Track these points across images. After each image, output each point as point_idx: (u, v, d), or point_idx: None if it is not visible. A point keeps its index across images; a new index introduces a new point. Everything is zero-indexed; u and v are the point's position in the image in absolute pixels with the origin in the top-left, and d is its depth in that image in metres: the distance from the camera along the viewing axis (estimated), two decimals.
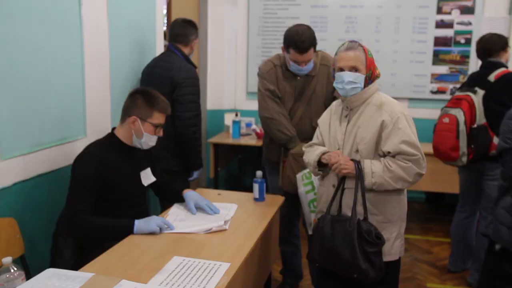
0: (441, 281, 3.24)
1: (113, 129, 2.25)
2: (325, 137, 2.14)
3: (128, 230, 2.00)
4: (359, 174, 1.92)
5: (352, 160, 1.95)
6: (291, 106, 2.67)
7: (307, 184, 2.45)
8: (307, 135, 2.58)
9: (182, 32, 2.93)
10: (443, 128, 3.06)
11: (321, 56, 2.70)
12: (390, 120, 1.92)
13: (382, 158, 1.95)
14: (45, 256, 2.18)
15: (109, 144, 2.19)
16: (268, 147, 2.80)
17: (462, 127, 2.96)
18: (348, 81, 1.96)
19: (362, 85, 1.97)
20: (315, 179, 2.42)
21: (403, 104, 2.03)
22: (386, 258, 1.98)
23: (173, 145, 2.87)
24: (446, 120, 3.05)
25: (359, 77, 1.96)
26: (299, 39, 2.47)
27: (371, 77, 1.99)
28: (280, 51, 2.71)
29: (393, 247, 2.00)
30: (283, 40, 2.58)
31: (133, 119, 2.15)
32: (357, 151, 1.98)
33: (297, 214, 2.89)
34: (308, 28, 2.53)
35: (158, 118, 2.18)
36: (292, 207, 2.79)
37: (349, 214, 1.95)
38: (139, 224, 2.01)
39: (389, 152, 1.92)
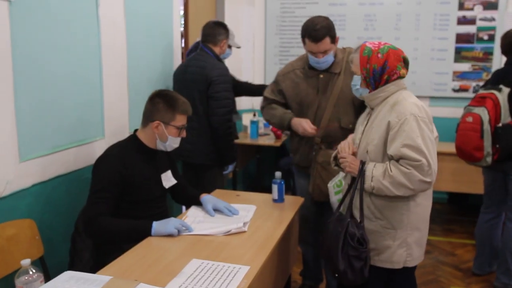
0: (466, 284, 3.15)
1: (135, 131, 2.25)
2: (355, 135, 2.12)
3: (146, 232, 1.98)
4: (360, 176, 1.88)
5: (361, 161, 1.91)
6: (316, 107, 2.55)
7: (339, 193, 2.36)
8: (336, 138, 2.48)
9: (210, 32, 3.09)
10: (466, 128, 3.00)
11: (348, 52, 2.57)
12: (397, 122, 1.81)
13: (386, 162, 1.86)
14: (64, 257, 2.18)
15: (131, 147, 2.18)
16: (296, 152, 2.71)
17: (486, 126, 2.89)
18: (351, 84, 2.01)
19: (359, 86, 1.95)
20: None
21: (424, 103, 1.90)
22: (387, 265, 1.93)
23: (209, 141, 3.00)
24: (470, 119, 2.98)
25: (356, 79, 1.96)
26: (313, 28, 2.40)
27: (370, 76, 1.89)
28: (297, 51, 2.66)
29: (394, 255, 1.92)
30: (300, 33, 2.51)
31: (156, 124, 2.14)
32: (367, 152, 1.92)
33: (322, 220, 2.81)
34: (325, 18, 2.46)
35: (181, 120, 2.18)
36: (319, 214, 2.71)
37: (357, 214, 1.93)
38: (157, 226, 1.99)
39: (392, 156, 1.83)
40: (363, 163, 1.89)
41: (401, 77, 1.91)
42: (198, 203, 2.34)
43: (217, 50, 3.11)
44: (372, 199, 1.92)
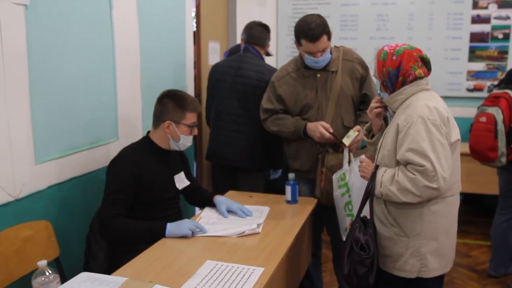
0: (481, 286, 3.12)
1: (148, 132, 2.26)
2: None
3: (160, 234, 1.99)
4: (370, 181, 1.85)
5: (376, 165, 1.88)
6: (317, 107, 2.52)
7: (342, 186, 2.35)
8: (340, 137, 2.50)
9: (260, 35, 3.06)
10: (480, 128, 2.97)
11: (343, 51, 2.57)
12: (404, 125, 1.75)
13: (396, 167, 1.81)
14: (79, 258, 2.20)
15: (144, 148, 2.20)
16: (296, 157, 2.63)
17: (500, 126, 2.86)
18: (376, 89, 2.02)
19: (378, 90, 1.93)
20: (349, 181, 2.34)
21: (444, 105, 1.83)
22: (401, 273, 1.88)
23: (259, 145, 2.97)
24: (483, 119, 2.95)
25: (377, 85, 1.94)
26: (309, 28, 2.35)
27: (386, 79, 1.85)
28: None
29: (407, 264, 1.85)
30: (294, 35, 2.46)
31: (167, 124, 2.16)
32: (383, 156, 1.89)
33: (322, 225, 2.80)
34: (318, 16, 2.42)
35: (191, 117, 2.19)
36: (319, 217, 2.68)
37: (375, 219, 1.91)
38: (171, 227, 2.00)
39: (399, 161, 1.78)
40: (376, 168, 1.86)
41: (418, 77, 1.83)
42: (212, 205, 2.35)
43: (262, 52, 3.08)
44: (386, 205, 1.88)
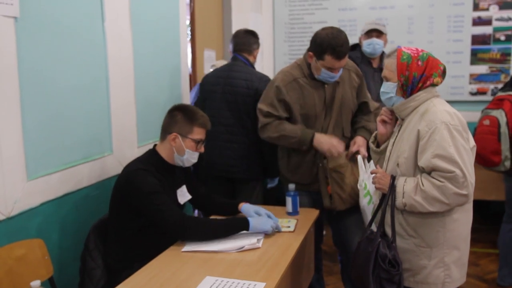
0: None
1: (155, 145, 2.20)
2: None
3: (243, 228, 2.05)
4: (390, 192, 1.78)
5: (392, 176, 1.81)
6: (323, 119, 2.46)
7: (366, 195, 2.27)
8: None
9: (245, 41, 3.01)
10: (483, 131, 2.92)
11: None
12: (426, 131, 1.71)
13: (418, 176, 1.76)
14: (74, 277, 2.14)
15: (151, 162, 2.12)
16: (297, 170, 2.53)
17: (503, 129, 2.81)
18: (381, 91, 1.89)
19: (394, 94, 1.84)
20: (370, 189, 2.25)
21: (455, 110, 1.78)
22: (422, 286, 1.82)
23: (256, 154, 2.92)
24: (487, 122, 2.90)
25: (389, 87, 1.85)
26: (337, 44, 2.26)
27: (408, 84, 1.80)
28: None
29: (430, 276, 1.80)
30: (314, 47, 2.36)
31: (174, 136, 2.10)
32: (398, 165, 1.82)
33: (321, 236, 2.72)
34: (340, 30, 2.35)
35: (199, 133, 2.14)
36: (318, 228, 2.61)
37: (389, 232, 1.83)
38: (253, 222, 2.06)
39: (424, 168, 1.73)
40: (393, 178, 1.79)
41: (434, 84, 1.82)
42: (234, 211, 2.30)
43: (251, 59, 3.03)
44: (404, 216, 1.83)
